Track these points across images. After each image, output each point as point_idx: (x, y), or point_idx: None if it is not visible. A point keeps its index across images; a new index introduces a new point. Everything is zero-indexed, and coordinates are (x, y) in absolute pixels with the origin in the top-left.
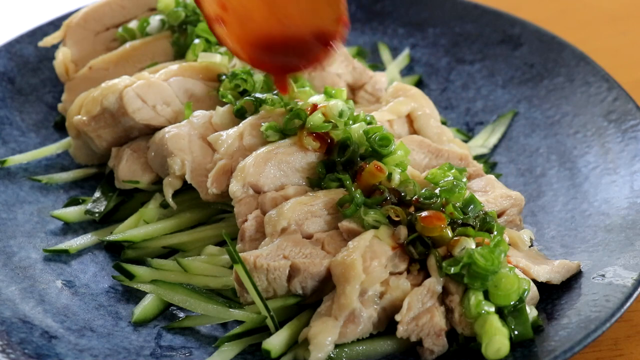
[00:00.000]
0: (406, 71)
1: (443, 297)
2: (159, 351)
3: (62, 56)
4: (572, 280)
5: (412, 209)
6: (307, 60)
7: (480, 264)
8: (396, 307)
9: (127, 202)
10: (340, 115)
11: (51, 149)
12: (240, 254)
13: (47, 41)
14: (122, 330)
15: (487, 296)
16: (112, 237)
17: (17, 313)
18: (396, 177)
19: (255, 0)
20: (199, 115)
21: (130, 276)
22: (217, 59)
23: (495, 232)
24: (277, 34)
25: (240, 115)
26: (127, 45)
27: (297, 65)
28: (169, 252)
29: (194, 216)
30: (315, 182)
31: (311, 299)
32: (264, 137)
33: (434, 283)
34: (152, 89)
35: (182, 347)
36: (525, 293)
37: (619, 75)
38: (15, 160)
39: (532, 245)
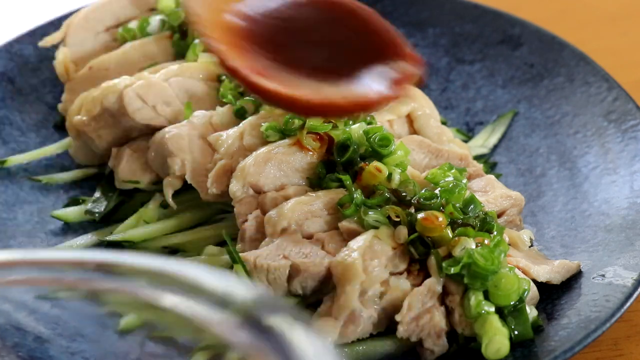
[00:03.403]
0: None
1: (443, 297)
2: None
3: (62, 56)
4: (572, 280)
5: (412, 209)
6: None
7: (480, 264)
8: (396, 307)
9: (127, 202)
10: None
11: (51, 149)
12: (240, 254)
13: (47, 41)
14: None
15: (487, 296)
16: (112, 237)
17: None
18: (396, 178)
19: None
20: (199, 115)
21: None
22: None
23: (495, 232)
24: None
25: (240, 115)
26: (127, 45)
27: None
28: (169, 252)
29: (194, 216)
30: (315, 182)
31: (311, 299)
32: (264, 137)
33: (434, 283)
34: (152, 89)
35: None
36: (525, 293)
37: (619, 75)
38: (15, 160)
39: (532, 245)
